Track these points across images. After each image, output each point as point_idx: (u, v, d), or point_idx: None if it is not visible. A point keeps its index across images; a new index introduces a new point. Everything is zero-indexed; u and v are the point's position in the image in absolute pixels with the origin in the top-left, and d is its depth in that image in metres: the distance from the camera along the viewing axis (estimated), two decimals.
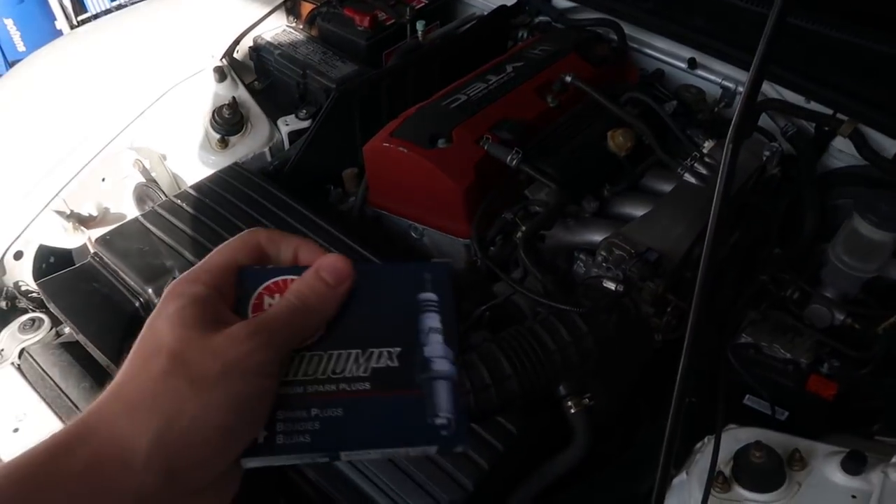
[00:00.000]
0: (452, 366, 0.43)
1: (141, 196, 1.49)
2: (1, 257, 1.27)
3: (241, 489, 1.00)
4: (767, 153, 1.29)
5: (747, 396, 1.13)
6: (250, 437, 0.39)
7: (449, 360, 0.43)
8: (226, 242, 0.45)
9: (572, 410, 0.99)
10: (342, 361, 0.42)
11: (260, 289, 0.43)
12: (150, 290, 1.13)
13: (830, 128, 1.36)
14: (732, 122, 0.50)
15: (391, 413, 0.41)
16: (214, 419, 0.37)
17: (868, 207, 1.14)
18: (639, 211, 1.22)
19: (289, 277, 0.44)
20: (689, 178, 1.23)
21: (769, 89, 1.43)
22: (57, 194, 1.33)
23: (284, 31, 1.77)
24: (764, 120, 1.45)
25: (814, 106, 1.37)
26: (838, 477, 0.89)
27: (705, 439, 0.97)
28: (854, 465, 0.87)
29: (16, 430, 1.05)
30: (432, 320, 0.44)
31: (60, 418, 1.06)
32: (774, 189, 1.34)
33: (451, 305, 0.44)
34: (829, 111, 1.34)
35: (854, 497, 0.86)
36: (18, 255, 1.30)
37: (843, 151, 1.38)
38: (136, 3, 1.88)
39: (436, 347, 0.43)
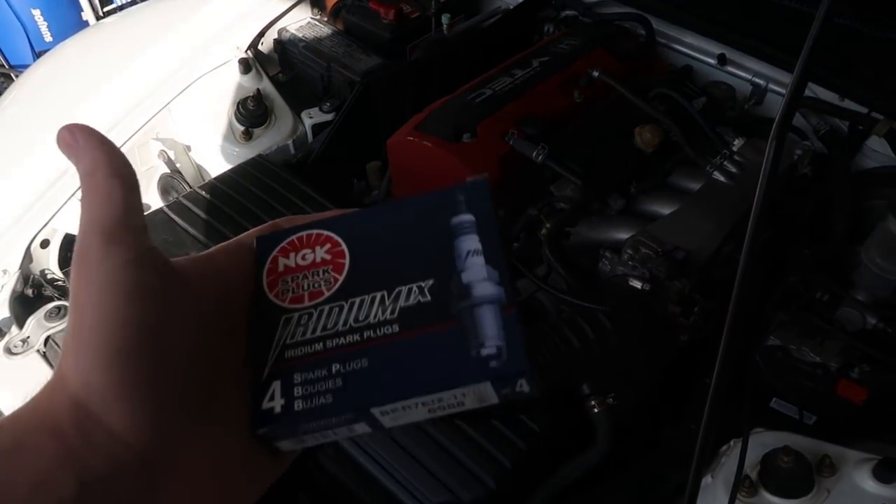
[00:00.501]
0: (498, 286, 0.36)
1: (165, 187, 1.50)
2: (27, 246, 1.28)
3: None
4: (799, 152, 1.26)
5: (774, 400, 1.11)
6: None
7: (494, 280, 0.36)
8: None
9: (595, 410, 0.98)
10: (365, 308, 0.36)
11: (275, 251, 0.39)
12: None
13: (865, 127, 1.33)
14: (776, 120, 0.49)
15: (425, 353, 0.35)
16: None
17: None
18: (666, 209, 1.20)
19: (306, 233, 0.39)
20: (718, 176, 1.21)
21: None
22: None
23: (309, 23, 1.77)
24: (796, 118, 1.42)
25: (848, 104, 1.34)
26: (869, 485, 0.87)
27: (731, 442, 0.96)
28: (886, 472, 0.85)
29: None
30: (470, 242, 0.37)
31: None
32: (806, 189, 1.32)
33: (492, 223, 0.38)
34: (864, 110, 1.31)
35: None
36: (45, 244, 1.31)
37: (877, 151, 1.35)
38: None
39: (476, 270, 0.36)
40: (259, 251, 0.39)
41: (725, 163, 1.22)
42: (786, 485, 0.87)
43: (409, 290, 0.36)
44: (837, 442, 0.93)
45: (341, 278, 0.38)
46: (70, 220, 1.32)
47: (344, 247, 0.39)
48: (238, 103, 1.50)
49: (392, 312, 0.36)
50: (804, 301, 1.16)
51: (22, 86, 1.58)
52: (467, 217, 0.38)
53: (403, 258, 0.38)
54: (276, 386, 0.35)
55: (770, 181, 0.49)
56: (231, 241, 0.39)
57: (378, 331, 0.36)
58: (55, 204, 1.31)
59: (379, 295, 0.37)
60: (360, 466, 0.94)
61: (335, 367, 0.35)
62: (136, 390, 0.30)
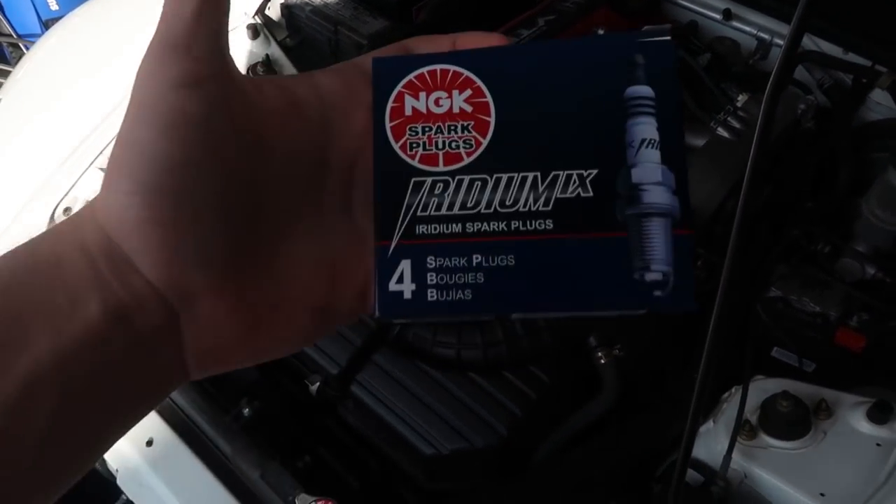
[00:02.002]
0: (674, 197, 0.29)
1: None
2: (51, 214, 1.32)
3: (274, 436, 1.04)
4: (802, 106, 1.28)
5: (775, 349, 1.15)
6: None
7: (669, 186, 0.29)
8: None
9: (602, 361, 1.03)
10: (514, 189, 0.30)
11: (400, 85, 0.31)
12: None
13: (868, 80, 1.34)
14: (772, 75, 0.51)
15: (583, 264, 0.29)
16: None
17: None
18: None
19: (441, 67, 0.31)
20: (721, 132, 1.23)
21: (806, 40, 1.41)
22: (101, 152, 1.37)
23: None
24: (800, 72, 1.43)
25: (851, 57, 1.34)
26: (864, 426, 0.91)
27: (732, 389, 1.00)
28: (880, 414, 0.89)
29: None
30: (646, 128, 0.30)
31: None
32: (809, 143, 1.33)
33: (675, 106, 0.30)
34: (868, 63, 1.32)
35: (879, 445, 0.89)
36: (67, 211, 1.35)
37: (880, 104, 1.36)
38: None
39: (650, 169, 0.29)
40: (378, 79, 0.32)
41: (729, 119, 1.23)
42: (784, 428, 0.91)
43: (568, 178, 0.30)
44: (835, 388, 0.97)
45: (485, 142, 0.31)
46: (91, 187, 1.36)
47: (489, 98, 0.31)
48: (248, 69, 1.52)
49: (546, 203, 0.30)
50: (805, 253, 1.19)
51: (35, 56, 1.60)
52: (646, 90, 0.30)
53: (561, 129, 0.30)
54: (406, 266, 0.30)
55: (765, 134, 0.52)
56: (346, 62, 0.33)
57: (529, 223, 0.30)
58: (76, 172, 1.34)
59: (531, 176, 0.30)
60: (377, 416, 0.99)
61: (476, 259, 0.30)
62: (156, 229, 0.27)
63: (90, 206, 0.29)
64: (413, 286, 0.30)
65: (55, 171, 1.34)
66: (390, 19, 1.65)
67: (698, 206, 1.11)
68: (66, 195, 1.34)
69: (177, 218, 0.27)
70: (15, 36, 2.79)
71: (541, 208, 0.30)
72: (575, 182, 0.30)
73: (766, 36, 1.49)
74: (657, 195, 0.29)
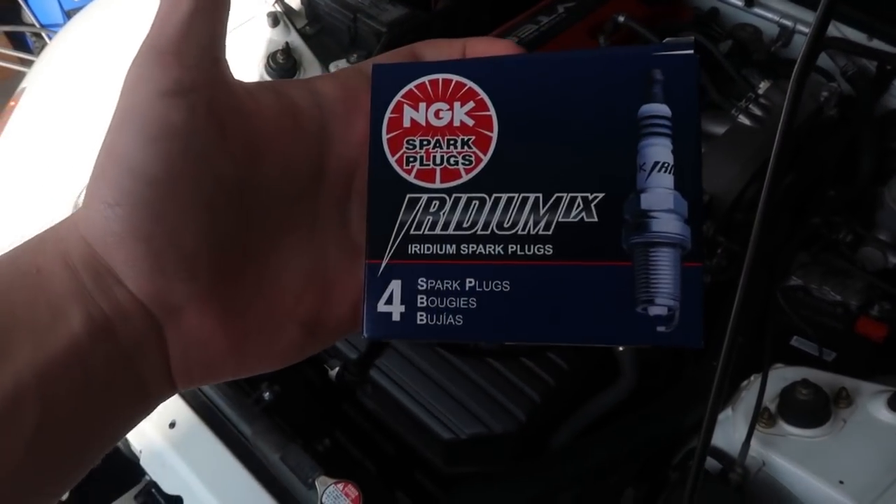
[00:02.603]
0: (686, 227, 0.27)
1: None
2: (75, 202, 1.34)
3: (295, 419, 1.06)
4: (825, 94, 1.26)
5: (795, 338, 1.15)
6: None
7: (682, 216, 0.27)
8: None
9: (620, 347, 1.03)
10: (513, 210, 0.28)
11: (400, 94, 0.30)
12: None
13: (893, 67, 1.32)
14: (798, 61, 0.51)
15: (583, 294, 0.27)
16: None
17: None
18: None
19: (444, 77, 0.29)
20: (743, 119, 1.22)
21: (829, 27, 1.39)
22: None
23: None
24: (823, 59, 1.41)
25: (876, 44, 1.33)
26: (884, 414, 0.91)
27: (751, 377, 1.00)
28: None
29: None
30: (660, 150, 0.27)
31: None
32: (831, 131, 1.32)
33: (694, 127, 0.27)
34: (893, 49, 1.30)
35: None
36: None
37: None
38: None
39: (662, 195, 0.27)
40: (377, 88, 0.30)
41: (751, 106, 1.22)
42: (803, 415, 0.91)
43: (572, 202, 0.28)
44: (856, 377, 0.96)
45: (485, 159, 0.29)
46: None
47: (492, 111, 0.29)
48: (268, 57, 1.53)
49: (547, 227, 0.28)
50: (826, 242, 1.18)
51: (57, 47, 1.62)
52: (662, 109, 0.28)
53: (568, 148, 0.28)
54: (396, 287, 0.29)
55: (790, 123, 0.51)
56: (349, 67, 0.32)
57: (528, 248, 0.28)
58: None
59: (532, 197, 0.28)
60: (396, 401, 1.00)
61: (469, 283, 0.28)
62: (138, 242, 0.26)
63: (73, 216, 0.28)
64: (402, 308, 0.29)
65: (78, 163, 1.36)
66: (409, 6, 1.65)
67: (718, 194, 1.11)
68: (82, 192, 1.36)
69: (160, 230, 0.26)
70: (38, 25, 2.82)
71: (541, 232, 0.28)
72: (579, 206, 0.28)
73: (788, 23, 1.47)
74: (667, 223, 0.27)
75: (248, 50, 1.54)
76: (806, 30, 1.46)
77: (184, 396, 1.07)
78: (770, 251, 1.17)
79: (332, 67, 1.59)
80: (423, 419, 0.98)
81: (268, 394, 1.05)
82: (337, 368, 1.06)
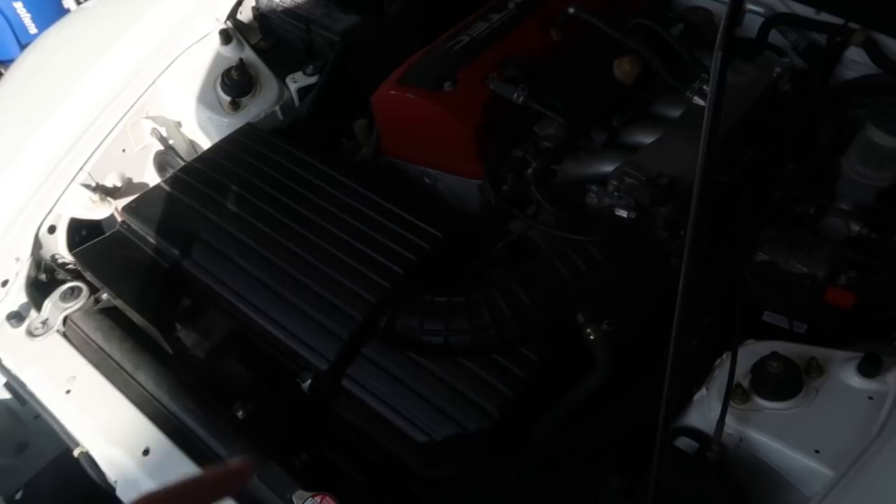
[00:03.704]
0: None
1: (161, 164, 1.53)
2: (35, 232, 1.32)
3: (270, 436, 1.04)
4: (779, 70, 1.27)
5: (766, 313, 1.15)
6: None
7: None
8: None
9: (591, 337, 1.02)
10: None
11: None
12: (176, 252, 1.17)
13: (842, 38, 1.33)
14: (719, 32, 0.51)
15: None
16: None
17: (882, 115, 1.13)
18: (649, 138, 1.22)
19: None
20: (697, 100, 1.22)
21: (779, 4, 1.41)
22: (81, 168, 1.36)
23: None
24: (775, 36, 1.42)
25: (824, 17, 1.34)
26: (855, 381, 0.91)
27: (724, 355, 1.00)
28: (870, 367, 0.89)
29: (68, 392, 1.12)
30: None
31: (108, 378, 1.12)
32: (788, 105, 1.33)
33: None
34: (840, 21, 1.32)
35: (871, 399, 0.88)
36: (52, 230, 1.35)
37: (856, 62, 1.36)
38: None
39: None
40: None
41: (704, 87, 1.23)
42: (776, 389, 0.91)
43: None
44: (828, 347, 0.96)
45: None
46: (73, 205, 1.36)
47: None
48: (222, 74, 1.52)
49: None
50: (791, 215, 1.19)
51: (11, 77, 1.60)
52: None
53: None
54: None
55: (719, 95, 0.51)
56: None
57: None
58: (57, 190, 1.34)
59: None
60: (371, 409, 0.99)
61: None
62: None
63: None
64: None
65: (37, 188, 1.34)
66: (361, 12, 1.64)
67: (678, 175, 1.11)
68: (49, 212, 1.34)
69: None
70: None
71: None
72: None
73: None
74: None
75: (201, 70, 1.53)
76: (756, 8, 1.47)
77: (155, 421, 1.06)
78: (737, 228, 1.18)
79: (290, 81, 1.58)
80: (399, 424, 0.97)
81: (241, 412, 1.03)
82: (309, 381, 1.05)
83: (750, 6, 1.47)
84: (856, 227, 1.13)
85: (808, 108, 1.31)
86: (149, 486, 1.01)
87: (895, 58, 1.29)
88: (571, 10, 1.37)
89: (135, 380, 1.11)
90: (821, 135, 1.27)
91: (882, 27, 1.26)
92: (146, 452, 1.03)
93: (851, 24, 1.30)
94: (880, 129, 1.11)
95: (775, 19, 1.37)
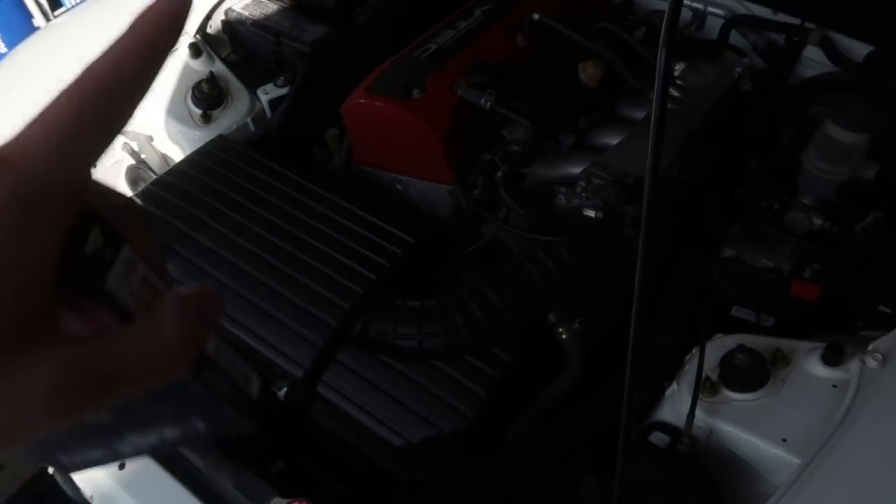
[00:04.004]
0: None
1: (134, 178, 1.53)
2: None
3: (246, 445, 1.04)
4: (739, 70, 1.30)
5: (734, 308, 1.17)
6: None
7: None
8: None
9: (563, 336, 1.04)
10: None
11: None
12: None
13: (800, 38, 1.37)
14: (662, 27, 0.52)
15: None
16: None
17: (839, 111, 1.16)
18: (615, 139, 1.24)
19: None
20: None
21: (737, 5, 1.44)
22: None
23: (254, 0, 1.78)
24: (735, 37, 1.45)
25: (781, 18, 1.37)
26: (819, 370, 0.93)
27: (694, 350, 1.01)
28: (833, 356, 0.91)
29: None
30: None
31: None
32: (749, 105, 1.36)
33: None
34: (797, 21, 1.35)
35: (835, 387, 0.90)
36: None
37: (814, 60, 1.39)
38: None
39: None
40: None
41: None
42: (743, 380, 0.93)
43: None
44: (793, 338, 0.99)
45: None
46: None
47: None
48: (193, 87, 1.52)
49: None
50: (755, 212, 1.21)
51: None
52: None
53: None
54: None
55: (664, 91, 0.53)
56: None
57: None
58: None
59: None
60: (347, 414, 0.99)
61: None
62: None
63: None
64: None
65: None
66: (331, 24, 1.66)
67: (643, 175, 1.13)
68: None
69: None
70: None
71: None
72: None
73: (699, 6, 1.52)
74: None
75: (172, 83, 1.53)
76: (718, 11, 1.50)
77: None
78: (703, 226, 1.20)
79: (261, 93, 1.59)
80: (375, 429, 0.97)
81: None
82: (285, 388, 1.05)
83: (711, 8, 1.51)
84: (818, 221, 1.16)
85: (769, 107, 1.34)
86: (126, 499, 1.00)
87: (850, 55, 1.32)
88: (536, 17, 1.39)
89: None
90: (782, 132, 1.30)
91: (835, 25, 1.30)
92: (122, 466, 1.03)
93: (808, 24, 1.33)
94: (838, 124, 1.14)
95: (735, 20, 1.40)
